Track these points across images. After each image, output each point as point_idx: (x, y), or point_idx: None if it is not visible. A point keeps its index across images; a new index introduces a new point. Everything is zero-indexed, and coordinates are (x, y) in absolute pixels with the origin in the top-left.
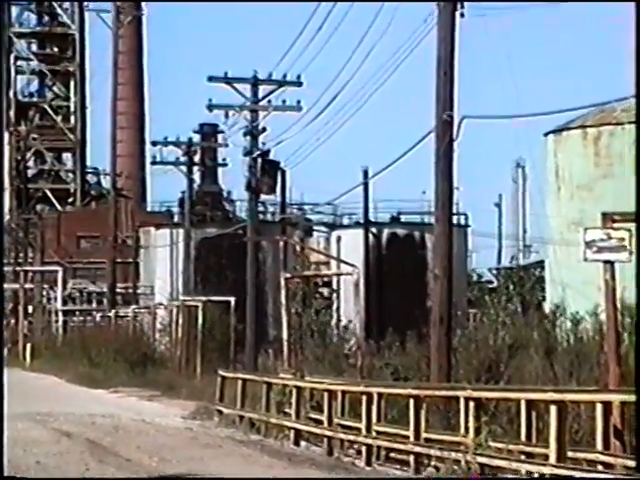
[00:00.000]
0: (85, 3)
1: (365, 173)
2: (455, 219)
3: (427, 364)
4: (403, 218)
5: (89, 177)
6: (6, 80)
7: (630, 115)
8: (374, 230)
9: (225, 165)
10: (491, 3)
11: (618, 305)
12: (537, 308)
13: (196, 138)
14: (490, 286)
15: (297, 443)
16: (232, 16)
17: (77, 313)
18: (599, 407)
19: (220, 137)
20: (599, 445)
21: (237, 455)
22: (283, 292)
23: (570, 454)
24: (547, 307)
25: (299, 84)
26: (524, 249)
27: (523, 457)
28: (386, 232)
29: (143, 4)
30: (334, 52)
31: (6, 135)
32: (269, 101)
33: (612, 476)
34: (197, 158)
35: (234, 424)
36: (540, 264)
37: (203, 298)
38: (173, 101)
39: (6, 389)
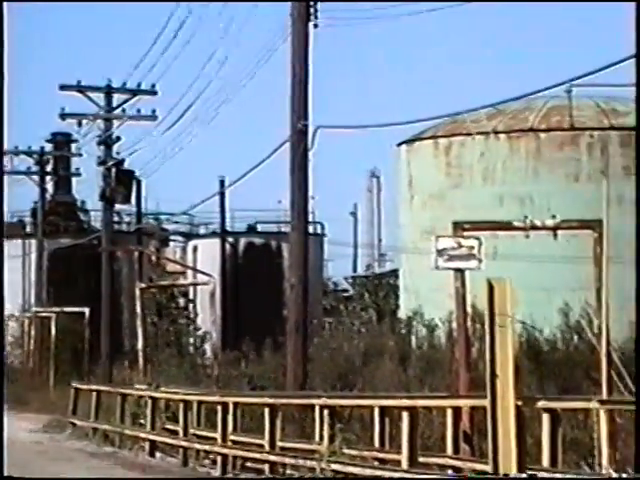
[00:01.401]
0: None
1: (221, 182)
2: (311, 228)
3: (283, 373)
4: (260, 227)
5: None
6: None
7: (479, 126)
8: (231, 239)
9: (79, 175)
10: (343, 13)
11: (469, 312)
12: (392, 316)
13: (49, 147)
14: (346, 295)
15: (152, 454)
16: (85, 23)
17: None
18: (449, 412)
19: (73, 146)
20: (449, 449)
21: (89, 468)
22: (139, 302)
23: (422, 459)
24: (402, 315)
25: (154, 93)
26: (379, 258)
27: (376, 463)
28: (243, 241)
29: None
30: (189, 61)
31: None
32: (123, 110)
33: (612, 476)
34: (50, 167)
35: (87, 437)
36: (395, 272)
37: (56, 309)
38: (24, 109)
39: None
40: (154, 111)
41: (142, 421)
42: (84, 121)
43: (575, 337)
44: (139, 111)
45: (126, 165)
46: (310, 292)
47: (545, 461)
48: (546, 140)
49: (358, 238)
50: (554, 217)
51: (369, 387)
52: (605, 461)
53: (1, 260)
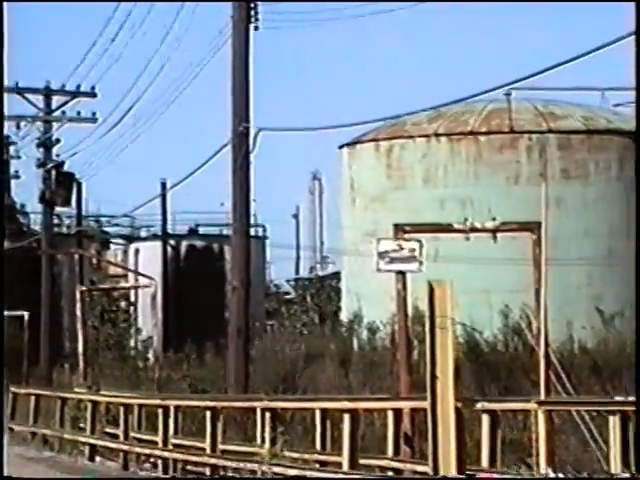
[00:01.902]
0: None
1: (163, 185)
2: (253, 231)
3: (225, 375)
4: (201, 230)
5: None
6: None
7: (419, 129)
8: (172, 242)
9: (18, 177)
10: (286, 15)
11: (410, 314)
12: (334, 318)
13: None
14: (288, 297)
15: (92, 459)
16: (23, 23)
17: None
18: (390, 414)
19: (12, 149)
20: (390, 451)
21: (25, 473)
22: (79, 305)
23: (363, 461)
24: (344, 317)
25: (93, 95)
26: (321, 260)
27: (317, 466)
28: (184, 244)
29: None
30: (130, 63)
31: None
32: (63, 112)
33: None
34: None
35: (25, 442)
36: (337, 275)
37: None
38: None
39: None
40: (94, 113)
41: (82, 425)
42: (23, 123)
43: (515, 338)
44: (79, 113)
45: (66, 167)
46: (252, 295)
47: (484, 462)
48: (486, 143)
49: (300, 240)
50: (494, 219)
51: (311, 389)
52: (543, 461)
53: (1, 261)
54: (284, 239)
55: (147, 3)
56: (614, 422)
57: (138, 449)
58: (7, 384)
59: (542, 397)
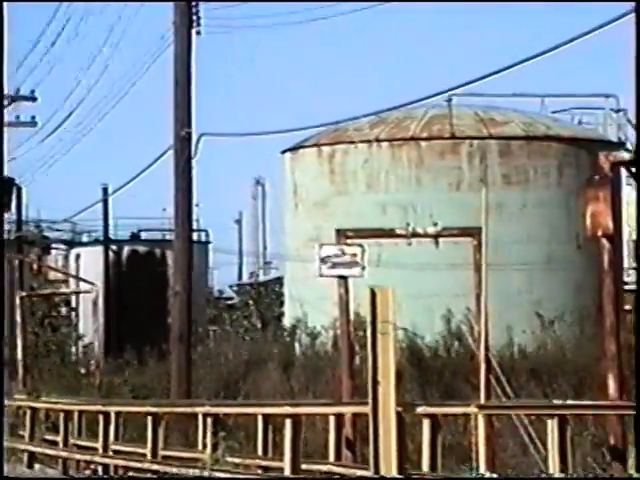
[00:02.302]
0: None
1: (105, 190)
2: (195, 236)
3: (167, 381)
4: (144, 235)
5: None
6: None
7: (361, 134)
8: (114, 247)
9: None
10: (228, 20)
11: (352, 319)
12: (276, 324)
13: None
14: (230, 303)
15: (30, 466)
16: None
17: None
18: (332, 419)
19: None
20: (332, 456)
21: None
22: (19, 311)
23: (305, 466)
24: (286, 323)
25: (33, 99)
26: (264, 265)
27: (259, 471)
28: (126, 249)
29: None
30: (71, 67)
31: None
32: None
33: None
34: None
35: None
36: (280, 280)
37: None
38: None
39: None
40: (34, 117)
41: (21, 432)
42: None
43: (456, 343)
44: (18, 117)
45: (5, 172)
46: (194, 300)
47: (425, 466)
48: (428, 149)
49: (243, 246)
50: (435, 225)
51: (254, 395)
52: (482, 464)
53: (1, 262)
54: (227, 244)
55: (88, 3)
56: (552, 426)
57: (78, 456)
58: None
59: (482, 401)
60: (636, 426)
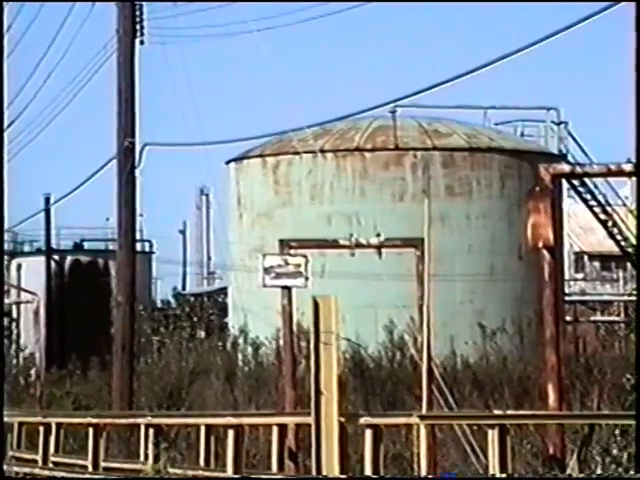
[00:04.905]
0: None
1: (47, 200)
2: (139, 246)
3: (110, 392)
4: (87, 245)
5: None
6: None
7: (306, 145)
8: (56, 257)
9: None
10: (172, 30)
11: (295, 329)
12: (220, 334)
13: None
14: (174, 313)
15: None
16: None
17: None
18: (275, 430)
19: None
20: (274, 467)
21: None
22: None
23: (246, 476)
24: (230, 333)
25: None
26: (208, 276)
27: None
28: (69, 259)
29: None
30: (13, 75)
31: None
32: None
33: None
34: None
35: None
36: (224, 290)
37: None
38: None
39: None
40: None
41: None
42: None
43: (398, 354)
44: None
45: None
46: (138, 310)
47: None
48: (372, 160)
49: (187, 256)
50: (378, 235)
51: (197, 405)
52: (424, 473)
53: (1, 263)
54: (171, 255)
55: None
56: (493, 436)
57: (16, 468)
58: None
59: (424, 411)
60: (637, 427)
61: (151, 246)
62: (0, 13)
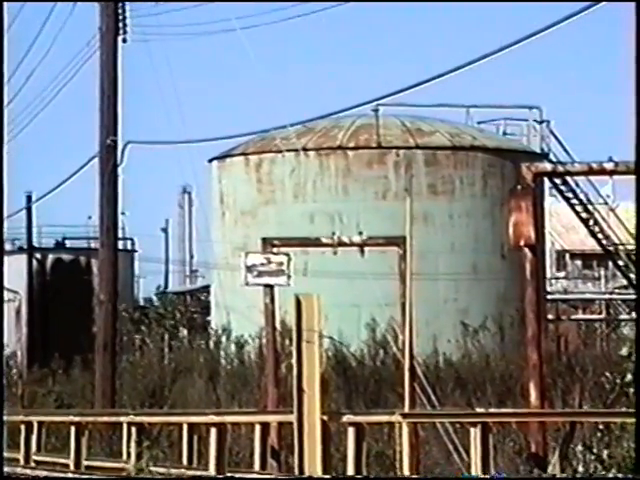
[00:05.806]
0: None
1: (28, 198)
2: (121, 244)
3: (92, 390)
4: (69, 243)
5: None
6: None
7: (288, 143)
8: (38, 255)
9: None
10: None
11: (278, 327)
12: (203, 333)
13: None
14: (157, 311)
15: None
16: None
17: None
18: (258, 428)
19: None
20: (257, 465)
21: None
22: None
23: (230, 475)
24: (213, 331)
25: None
26: (191, 274)
27: None
28: (51, 257)
29: None
30: None
31: None
32: None
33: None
34: None
35: None
36: (206, 289)
37: None
38: None
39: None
40: None
41: None
42: None
43: (381, 352)
44: None
45: None
46: (120, 309)
47: (350, 474)
48: (355, 158)
49: (170, 254)
50: (361, 234)
51: (180, 404)
52: (406, 471)
53: (1, 264)
54: (153, 253)
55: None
56: (475, 433)
57: None
58: None
59: (407, 410)
60: (637, 427)
61: (133, 244)
62: (0, 13)
